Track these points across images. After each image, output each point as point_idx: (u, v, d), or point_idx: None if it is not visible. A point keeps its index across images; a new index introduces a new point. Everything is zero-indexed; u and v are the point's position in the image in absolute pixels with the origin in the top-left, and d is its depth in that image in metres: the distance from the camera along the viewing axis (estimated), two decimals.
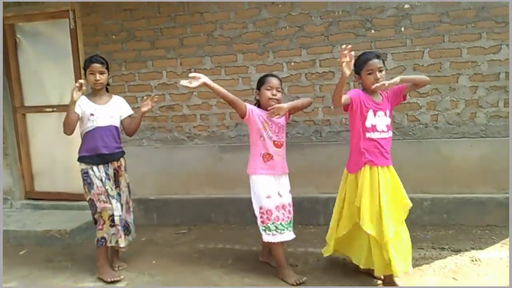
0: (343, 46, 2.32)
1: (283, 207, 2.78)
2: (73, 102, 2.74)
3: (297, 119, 3.74)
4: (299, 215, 3.48)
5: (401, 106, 3.52)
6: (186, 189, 4.05)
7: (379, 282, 2.67)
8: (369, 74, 2.55)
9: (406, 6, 3.45)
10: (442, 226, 3.51)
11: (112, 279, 2.89)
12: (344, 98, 2.53)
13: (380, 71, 2.54)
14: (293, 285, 2.69)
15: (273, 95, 2.75)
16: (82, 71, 3.07)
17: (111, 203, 2.89)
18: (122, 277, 2.93)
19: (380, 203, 2.49)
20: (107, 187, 2.93)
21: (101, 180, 2.93)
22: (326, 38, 3.62)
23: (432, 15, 3.43)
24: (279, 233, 2.70)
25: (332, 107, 3.66)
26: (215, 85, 2.70)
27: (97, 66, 2.90)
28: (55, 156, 4.48)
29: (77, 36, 4.16)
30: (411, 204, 2.57)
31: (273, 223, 2.70)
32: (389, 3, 3.47)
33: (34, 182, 4.64)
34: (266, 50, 3.75)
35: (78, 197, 4.26)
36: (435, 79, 3.45)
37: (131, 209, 3.15)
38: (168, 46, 3.93)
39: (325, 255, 2.86)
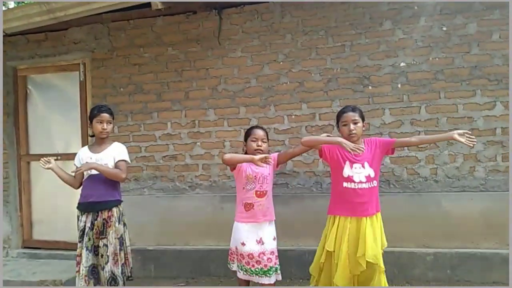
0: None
1: (262, 254, 2.81)
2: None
3: (298, 170, 3.78)
4: (300, 269, 3.43)
5: (400, 159, 3.59)
6: (185, 239, 4.00)
7: None
8: (344, 125, 2.72)
9: (402, 64, 3.61)
10: (446, 282, 3.42)
11: None
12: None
13: (355, 123, 2.69)
14: None
15: (258, 146, 2.90)
16: (88, 119, 3.15)
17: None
18: None
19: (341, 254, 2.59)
20: (85, 238, 2.93)
21: (82, 231, 2.95)
22: (325, 93, 3.76)
23: (427, 73, 3.58)
24: (243, 273, 2.82)
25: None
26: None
27: (106, 116, 3.00)
28: (55, 204, 4.48)
29: (86, 88, 4.34)
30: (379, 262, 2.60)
31: (243, 265, 2.81)
32: (385, 61, 3.64)
33: (33, 230, 4.60)
34: (267, 104, 3.88)
35: (76, 247, 4.19)
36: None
37: (122, 261, 3.00)
38: (174, 98, 4.08)
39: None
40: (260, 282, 2.81)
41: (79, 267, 2.91)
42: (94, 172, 2.94)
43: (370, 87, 3.68)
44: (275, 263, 2.84)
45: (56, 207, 4.48)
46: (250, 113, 3.92)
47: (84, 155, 3.03)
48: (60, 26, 4.09)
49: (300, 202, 3.71)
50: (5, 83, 4.42)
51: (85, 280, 2.88)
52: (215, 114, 3.99)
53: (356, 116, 2.70)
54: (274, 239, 2.90)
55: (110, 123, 3.04)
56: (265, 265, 2.80)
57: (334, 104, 3.72)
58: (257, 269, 2.78)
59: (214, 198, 3.96)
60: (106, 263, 2.92)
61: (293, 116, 3.83)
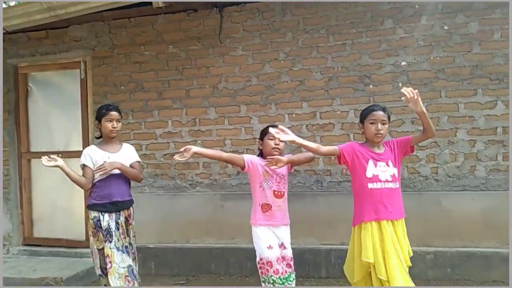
0: None
1: (284, 259, 2.74)
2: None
3: (298, 168, 3.78)
4: (300, 267, 3.42)
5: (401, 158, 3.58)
6: (186, 237, 4.01)
7: None
8: (372, 123, 2.58)
9: (403, 63, 3.61)
10: (446, 280, 3.42)
11: None
12: (332, 148, 2.63)
13: (383, 123, 2.58)
14: None
15: (276, 144, 2.82)
16: (95, 119, 3.10)
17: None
18: None
19: (389, 261, 2.41)
20: (114, 238, 2.88)
21: (108, 230, 2.88)
22: (326, 92, 3.76)
23: (428, 72, 3.57)
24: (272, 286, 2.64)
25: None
26: (206, 151, 2.83)
27: (115, 114, 2.97)
28: (56, 202, 4.49)
29: (87, 85, 4.34)
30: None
31: (271, 276, 2.65)
32: (386, 60, 3.64)
33: (33, 228, 4.60)
34: (268, 102, 3.88)
35: (76, 244, 4.23)
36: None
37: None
38: (175, 97, 4.08)
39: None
40: None
41: (112, 266, 2.83)
42: (115, 171, 2.91)
43: (371, 86, 3.67)
44: (286, 271, 2.73)
45: (56, 204, 4.48)
46: (250, 112, 3.92)
47: (98, 155, 2.93)
48: (61, 24, 4.09)
49: (300, 200, 3.70)
50: (6, 81, 4.42)
51: (127, 280, 2.84)
52: (216, 112, 3.99)
53: (385, 116, 2.60)
54: (289, 243, 2.84)
55: (119, 121, 3.01)
56: (285, 271, 2.71)
57: (335, 103, 3.72)
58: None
59: (215, 196, 3.96)
60: (132, 261, 2.97)
61: (293, 115, 3.83)
